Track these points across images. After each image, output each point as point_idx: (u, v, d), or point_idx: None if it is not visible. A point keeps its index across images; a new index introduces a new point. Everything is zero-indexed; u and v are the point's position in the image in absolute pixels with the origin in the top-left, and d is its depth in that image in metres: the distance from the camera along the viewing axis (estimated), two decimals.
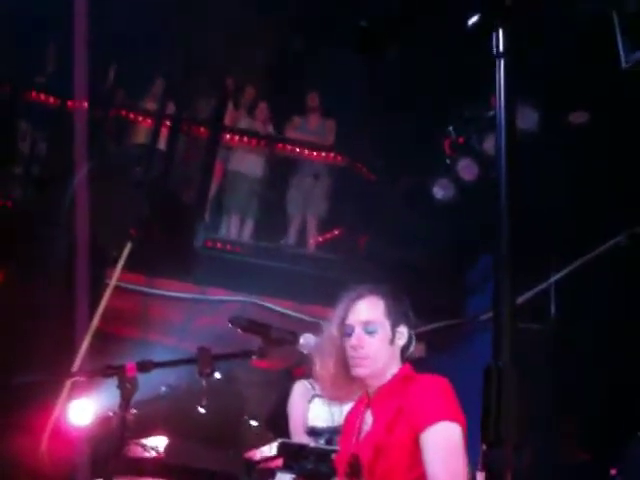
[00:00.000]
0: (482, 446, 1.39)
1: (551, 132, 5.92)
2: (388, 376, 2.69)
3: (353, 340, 2.70)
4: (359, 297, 2.77)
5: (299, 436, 4.27)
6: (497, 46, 1.52)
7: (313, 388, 4.39)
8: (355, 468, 2.63)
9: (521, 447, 1.37)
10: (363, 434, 2.70)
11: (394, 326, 2.71)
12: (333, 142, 8.96)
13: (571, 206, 6.08)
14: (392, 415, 2.58)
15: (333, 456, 3.25)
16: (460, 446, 2.51)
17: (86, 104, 8.33)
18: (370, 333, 2.69)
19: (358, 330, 2.71)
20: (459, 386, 2.63)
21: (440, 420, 2.49)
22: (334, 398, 3.63)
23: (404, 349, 2.74)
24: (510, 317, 1.44)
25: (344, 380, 2.77)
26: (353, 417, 2.82)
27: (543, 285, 6.15)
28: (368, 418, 2.71)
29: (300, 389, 4.45)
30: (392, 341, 2.70)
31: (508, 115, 1.47)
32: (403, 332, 2.73)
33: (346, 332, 2.73)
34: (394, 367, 2.71)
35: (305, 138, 8.87)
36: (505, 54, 1.49)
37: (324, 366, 2.79)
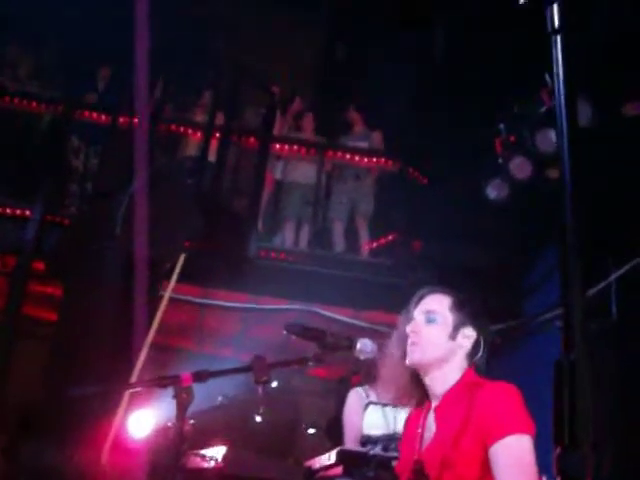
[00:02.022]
0: (555, 449, 1.28)
1: (605, 125, 5.77)
2: (451, 381, 2.62)
3: (411, 326, 2.67)
4: (427, 293, 2.75)
5: (351, 444, 4.23)
6: (552, 21, 1.44)
7: (367, 396, 4.35)
8: (420, 477, 2.57)
9: (600, 449, 1.26)
10: (426, 441, 2.63)
11: (458, 324, 2.65)
12: (381, 149, 8.95)
13: (630, 201, 5.92)
14: (458, 425, 2.49)
15: (394, 463, 3.20)
16: (532, 459, 2.41)
17: (137, 120, 8.45)
18: (429, 322, 2.66)
19: (418, 317, 2.68)
20: (521, 388, 2.55)
21: (511, 433, 2.40)
22: (395, 401, 3.57)
23: (471, 353, 2.66)
24: (580, 309, 1.34)
25: (405, 377, 2.72)
26: (414, 422, 2.75)
27: (603, 284, 5.99)
28: (431, 424, 2.64)
29: (354, 397, 4.42)
30: (452, 338, 2.64)
31: (568, 95, 1.40)
32: (469, 334, 2.66)
33: (409, 322, 2.70)
34: (458, 371, 2.63)
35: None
36: (561, 30, 1.41)
37: (389, 365, 2.76)
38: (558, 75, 1.43)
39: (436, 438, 2.59)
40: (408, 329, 2.67)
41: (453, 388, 2.60)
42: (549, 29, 1.44)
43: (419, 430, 2.68)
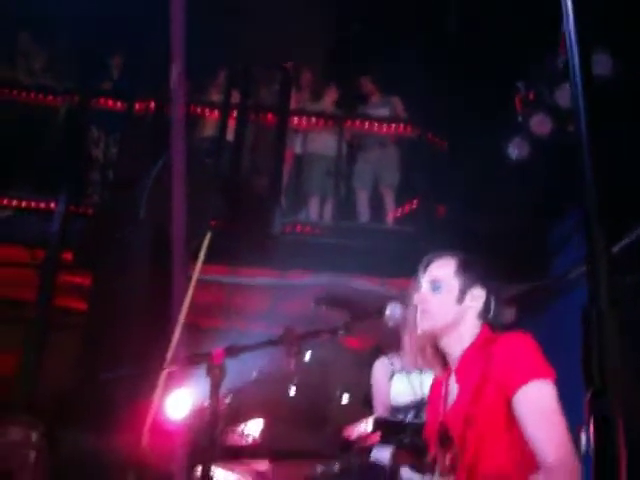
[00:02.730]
0: (586, 395, 1.28)
1: (625, 74, 5.67)
2: (467, 342, 2.62)
3: (417, 296, 2.67)
4: (433, 259, 2.74)
5: (382, 413, 4.23)
6: None
7: (392, 364, 4.34)
8: (445, 439, 2.58)
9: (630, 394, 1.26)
10: (450, 403, 2.64)
11: (465, 287, 2.65)
12: (402, 115, 8.91)
13: None
14: (477, 381, 2.50)
15: None
16: (555, 403, 2.41)
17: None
18: (434, 290, 2.66)
19: (424, 287, 2.69)
20: (551, 346, 2.54)
21: (530, 380, 2.40)
22: (418, 366, 3.59)
23: (482, 313, 2.66)
24: (605, 259, 1.32)
25: (426, 348, 2.72)
26: (438, 386, 2.77)
27: (634, 236, 5.91)
28: (453, 386, 2.65)
29: (380, 367, 4.41)
30: (460, 301, 2.63)
31: (582, 51, 1.36)
32: (478, 295, 2.65)
33: (418, 290, 2.70)
34: (472, 331, 2.63)
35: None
36: None
37: (408, 333, 2.76)
38: (569, 26, 1.40)
39: (458, 398, 2.60)
40: (415, 299, 2.68)
41: (469, 348, 2.61)
42: None
43: (442, 394, 2.70)
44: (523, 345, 2.48)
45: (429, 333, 2.65)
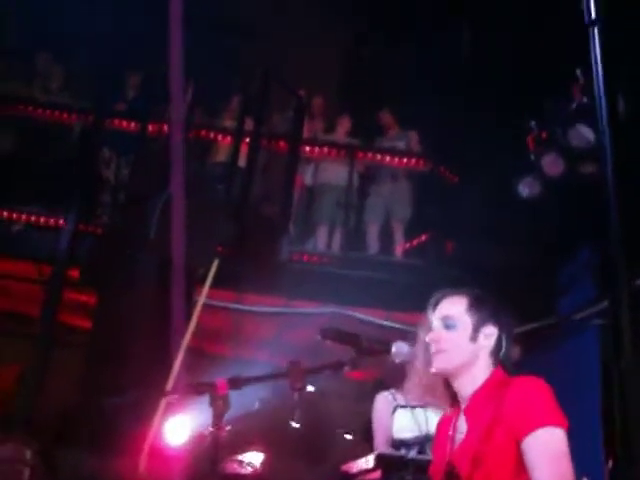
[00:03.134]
0: (608, 462, 1.24)
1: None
2: (480, 381, 2.59)
3: (430, 335, 2.65)
4: (443, 297, 2.71)
5: (383, 448, 4.18)
6: (589, 12, 1.39)
7: (394, 399, 4.29)
8: (452, 478, 2.55)
9: None
10: (458, 442, 2.61)
11: (478, 325, 2.62)
12: (416, 149, 8.93)
13: None
14: (488, 422, 2.47)
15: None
16: (566, 451, 2.39)
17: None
18: (448, 327, 2.63)
19: (436, 324, 2.66)
20: (556, 387, 2.52)
21: (542, 426, 2.38)
22: (425, 403, 3.55)
23: (495, 351, 2.63)
24: (629, 311, 1.30)
25: (437, 386, 2.70)
26: (446, 425, 2.74)
27: None
28: (462, 425, 2.62)
29: (382, 401, 4.35)
30: (474, 339, 2.61)
31: (608, 90, 1.36)
32: (490, 333, 2.63)
33: (428, 330, 2.68)
34: (484, 370, 2.61)
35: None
36: (599, 21, 1.37)
37: (417, 370, 2.74)
38: (597, 66, 1.39)
39: (467, 438, 2.57)
40: (428, 338, 2.65)
41: (482, 388, 2.59)
42: (586, 21, 1.40)
43: (450, 432, 2.67)
44: (538, 390, 2.46)
45: (444, 372, 2.63)
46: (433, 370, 2.63)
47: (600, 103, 1.40)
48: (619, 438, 1.13)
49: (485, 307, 2.66)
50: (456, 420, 2.66)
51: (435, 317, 2.68)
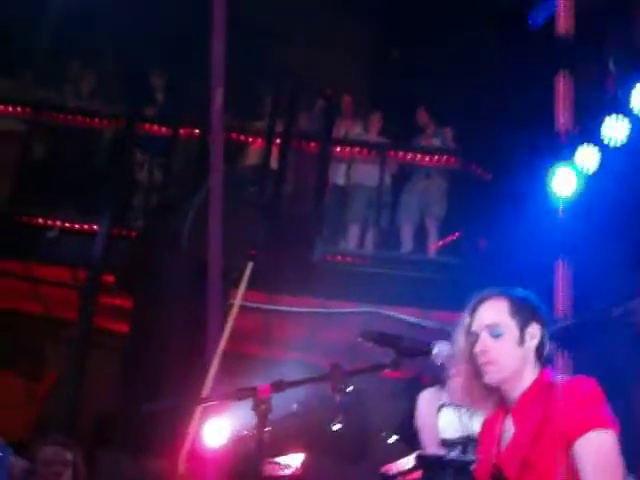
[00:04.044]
0: None
1: None
2: (527, 381, 2.55)
3: (479, 346, 2.57)
4: (482, 301, 2.63)
5: (432, 448, 4.15)
6: None
7: (440, 397, 4.26)
8: None
9: None
10: (505, 444, 2.57)
11: (523, 326, 2.56)
12: (454, 148, 8.88)
13: None
14: (537, 424, 2.43)
15: (472, 467, 3.14)
16: (617, 454, 2.35)
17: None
18: (496, 337, 2.56)
19: (483, 335, 2.58)
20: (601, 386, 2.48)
21: (593, 428, 2.34)
22: (470, 407, 3.52)
23: (538, 350, 2.58)
24: None
25: (479, 389, 2.66)
26: (491, 425, 2.69)
27: None
28: (509, 427, 2.57)
29: (427, 398, 4.32)
30: (522, 343, 2.55)
31: None
32: (534, 332, 2.57)
33: (472, 339, 2.63)
34: (532, 371, 2.56)
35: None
36: None
37: (459, 374, 2.70)
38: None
39: (514, 440, 2.53)
40: (476, 349, 2.58)
41: (530, 389, 2.54)
42: None
43: (497, 433, 2.62)
44: (588, 390, 2.42)
45: (498, 383, 2.60)
46: (486, 381, 2.59)
47: None
48: None
49: (526, 306, 2.60)
50: (503, 421, 2.62)
51: (478, 325, 2.60)
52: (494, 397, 2.65)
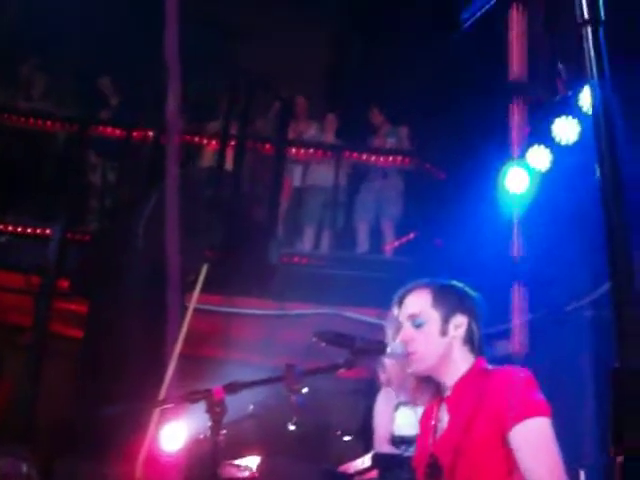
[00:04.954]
0: (617, 459, 1.22)
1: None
2: (460, 371, 2.57)
3: (401, 336, 2.60)
4: (408, 291, 2.66)
5: (382, 446, 4.18)
6: (582, 12, 1.37)
7: (397, 396, 4.29)
8: (434, 469, 2.54)
9: None
10: (439, 433, 2.60)
11: (446, 317, 2.58)
12: (409, 148, 8.93)
13: None
14: (471, 412, 2.45)
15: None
16: (553, 440, 2.39)
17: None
18: (417, 327, 2.58)
19: (406, 325, 2.61)
20: (551, 381, 2.51)
21: (529, 416, 2.37)
22: (411, 402, 3.54)
23: (468, 340, 2.60)
24: (633, 309, 1.27)
25: (411, 380, 2.68)
26: (428, 415, 2.71)
27: None
28: (443, 416, 2.60)
29: (384, 398, 4.36)
30: (445, 333, 2.57)
31: (602, 89, 1.34)
32: (460, 322, 2.59)
33: (398, 330, 2.65)
34: (464, 360, 2.58)
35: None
36: (592, 21, 1.35)
37: (394, 371, 2.72)
38: (592, 69, 1.37)
39: (449, 428, 2.56)
40: (400, 339, 2.61)
41: (463, 378, 2.56)
42: (578, 20, 1.38)
43: (432, 423, 2.65)
44: (521, 379, 2.44)
45: (422, 372, 2.62)
46: (410, 372, 2.61)
47: (596, 106, 1.37)
48: (630, 437, 1.11)
49: (450, 297, 2.62)
50: (438, 410, 2.65)
51: (402, 316, 2.63)
52: (430, 388, 2.67)
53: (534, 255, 7.20)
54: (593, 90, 1.42)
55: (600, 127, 1.40)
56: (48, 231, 8.03)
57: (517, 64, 6.67)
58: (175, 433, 4.94)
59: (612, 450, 1.22)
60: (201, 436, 4.74)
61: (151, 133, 8.47)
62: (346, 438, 6.36)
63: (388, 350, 2.79)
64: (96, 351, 6.89)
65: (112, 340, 6.62)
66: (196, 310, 6.44)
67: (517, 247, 6.79)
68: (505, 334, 6.37)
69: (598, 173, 1.39)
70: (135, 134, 8.69)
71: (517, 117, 6.76)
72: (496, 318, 5.84)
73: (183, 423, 4.78)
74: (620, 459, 1.22)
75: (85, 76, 9.46)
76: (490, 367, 2.57)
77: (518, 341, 6.30)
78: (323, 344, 2.74)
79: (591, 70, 1.37)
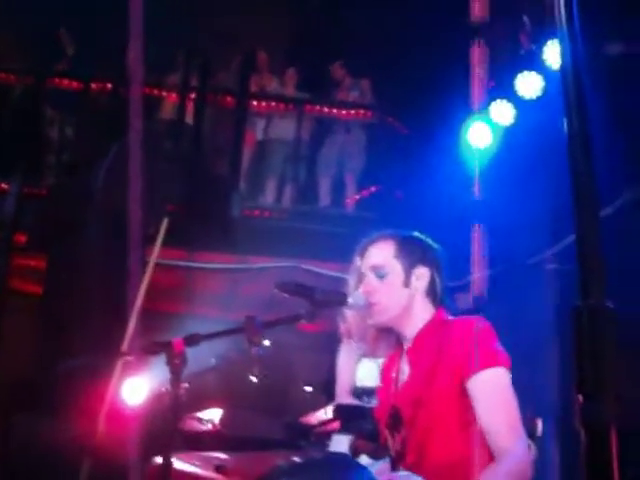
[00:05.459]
0: (577, 398, 1.22)
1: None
2: (421, 322, 2.58)
3: (364, 287, 2.61)
4: (371, 243, 2.67)
5: (344, 398, 4.20)
6: None
7: (359, 348, 4.30)
8: (395, 420, 2.56)
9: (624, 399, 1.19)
10: (400, 384, 2.61)
11: (408, 267, 2.59)
12: (371, 101, 8.89)
13: None
14: (431, 363, 2.48)
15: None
16: (510, 390, 2.42)
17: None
18: (380, 278, 2.59)
19: (369, 276, 2.62)
20: (515, 335, 2.53)
21: (487, 366, 2.40)
22: (371, 354, 3.55)
23: (430, 292, 2.61)
24: (596, 247, 1.26)
25: (372, 331, 2.69)
26: (389, 367, 2.73)
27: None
28: (404, 367, 2.62)
29: (346, 350, 4.37)
30: (407, 284, 2.58)
31: (571, 36, 1.32)
32: (422, 273, 2.60)
33: (361, 280, 2.64)
34: (425, 311, 2.60)
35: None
36: None
37: (354, 322, 2.73)
38: (561, 20, 1.35)
39: (409, 379, 2.58)
40: (362, 290, 2.61)
41: (423, 329, 2.58)
42: None
43: (393, 374, 2.66)
44: (480, 329, 2.46)
45: (385, 324, 2.61)
46: (371, 323, 2.61)
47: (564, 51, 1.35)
48: (589, 376, 1.10)
49: (413, 248, 2.63)
50: (399, 361, 2.65)
51: (365, 267, 2.63)
52: (391, 339, 2.68)
53: (495, 205, 7.24)
54: (562, 41, 1.40)
55: (568, 79, 1.38)
56: (5, 185, 7.89)
57: (479, 6, 6.62)
58: (136, 387, 4.91)
59: (575, 388, 1.22)
60: (163, 389, 4.72)
61: (110, 85, 8.30)
62: (308, 389, 6.38)
63: (349, 301, 2.78)
64: (56, 307, 6.82)
65: (71, 295, 6.56)
66: (157, 264, 6.38)
67: (478, 203, 6.83)
68: (466, 287, 6.42)
69: (566, 126, 1.38)
70: (93, 86, 8.51)
71: (478, 61, 6.70)
72: (457, 271, 5.88)
73: (144, 377, 4.75)
74: (580, 397, 1.22)
75: (41, 27, 9.22)
76: (450, 318, 2.58)
77: (477, 292, 6.35)
78: (284, 295, 2.73)
79: (560, 21, 1.35)
